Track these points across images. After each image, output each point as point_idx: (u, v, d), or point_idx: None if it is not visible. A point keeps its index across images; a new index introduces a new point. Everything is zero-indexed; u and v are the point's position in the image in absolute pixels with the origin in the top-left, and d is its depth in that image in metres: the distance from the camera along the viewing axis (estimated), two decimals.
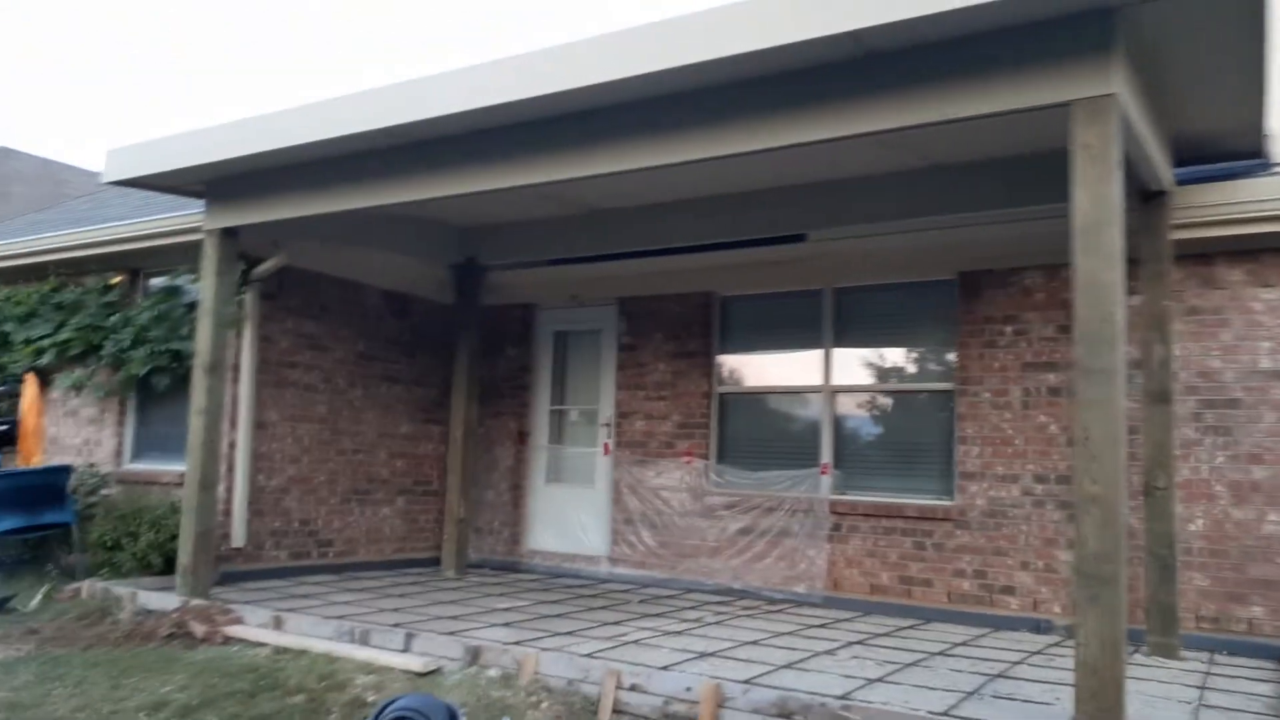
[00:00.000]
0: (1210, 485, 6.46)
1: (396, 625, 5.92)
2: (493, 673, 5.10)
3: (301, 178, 6.60)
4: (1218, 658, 5.99)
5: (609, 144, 5.41)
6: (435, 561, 9.21)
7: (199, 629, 6.01)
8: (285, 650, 5.65)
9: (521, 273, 9.36)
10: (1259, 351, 6.42)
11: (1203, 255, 6.55)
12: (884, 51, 4.50)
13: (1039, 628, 6.77)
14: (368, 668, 5.26)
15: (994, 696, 4.71)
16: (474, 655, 5.26)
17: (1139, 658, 5.73)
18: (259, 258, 7.83)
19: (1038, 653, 5.96)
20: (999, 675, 5.23)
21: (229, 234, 7.10)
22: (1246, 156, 6.28)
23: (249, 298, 7.94)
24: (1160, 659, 5.76)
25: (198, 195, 7.34)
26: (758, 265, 8.25)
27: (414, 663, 5.26)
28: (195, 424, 6.95)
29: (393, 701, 4.28)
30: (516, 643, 5.49)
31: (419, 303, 9.54)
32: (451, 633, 5.76)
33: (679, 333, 8.77)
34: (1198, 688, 5.11)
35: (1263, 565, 6.27)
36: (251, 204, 6.94)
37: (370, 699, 4.80)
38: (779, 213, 7.41)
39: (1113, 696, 3.80)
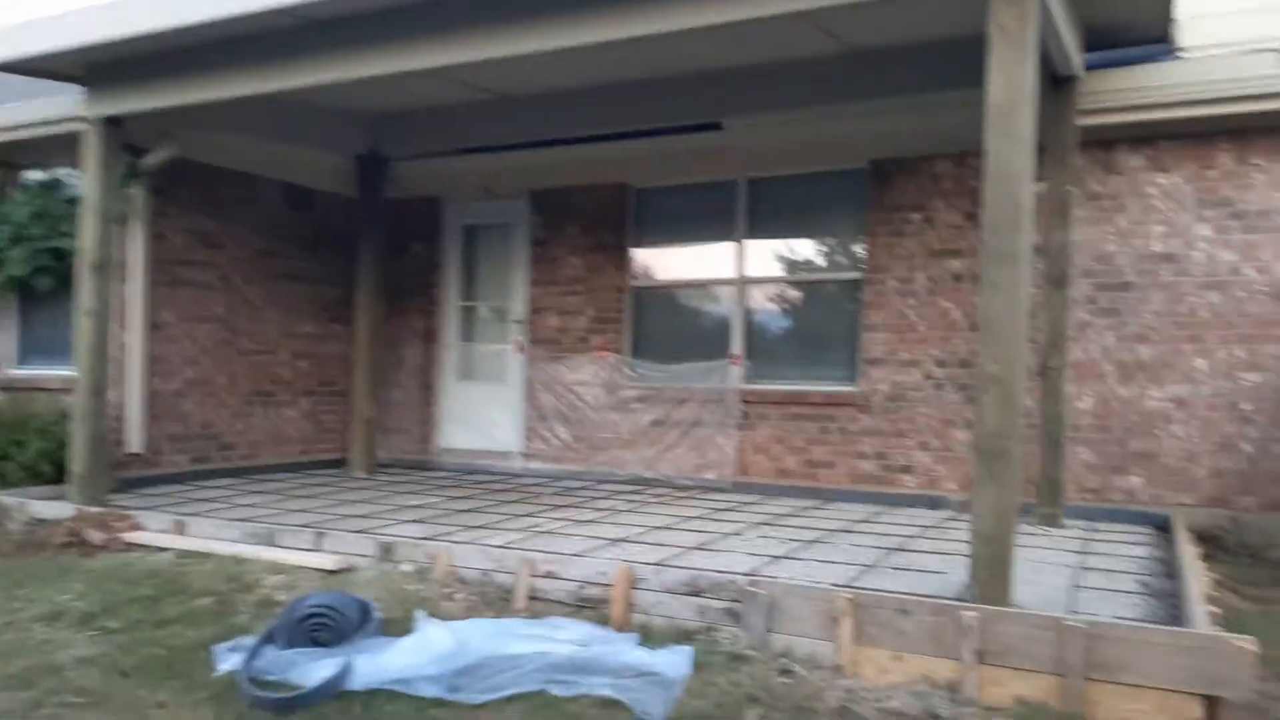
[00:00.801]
0: (1100, 365, 6.74)
1: (305, 525, 5.84)
2: (406, 568, 5.08)
3: (191, 62, 6.14)
4: (1099, 526, 6.36)
5: (518, 23, 5.16)
6: (343, 463, 9.08)
7: (96, 536, 5.82)
8: (189, 554, 5.52)
9: (428, 164, 9.03)
10: (1151, 236, 6.63)
11: (1105, 141, 6.66)
12: None
13: (935, 504, 7.07)
14: (277, 568, 5.19)
15: (892, 568, 4.91)
16: (386, 551, 5.23)
17: (1026, 528, 6.01)
18: (147, 149, 7.35)
19: (934, 527, 6.23)
20: (897, 549, 5.45)
21: (113, 123, 6.63)
22: (1153, 42, 6.33)
23: (137, 192, 7.50)
24: (1047, 528, 6.08)
25: (79, 81, 6.79)
26: (673, 155, 8.12)
27: (325, 561, 5.21)
28: (83, 326, 6.60)
29: (305, 599, 4.25)
30: (429, 538, 5.48)
31: (321, 196, 9.14)
32: (362, 531, 5.71)
33: (593, 226, 8.63)
34: (1079, 553, 5.42)
35: (1143, 439, 6.62)
36: (137, 91, 6.45)
37: (281, 598, 4.74)
38: (694, 100, 7.24)
39: (1002, 564, 3.98)
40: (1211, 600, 4.39)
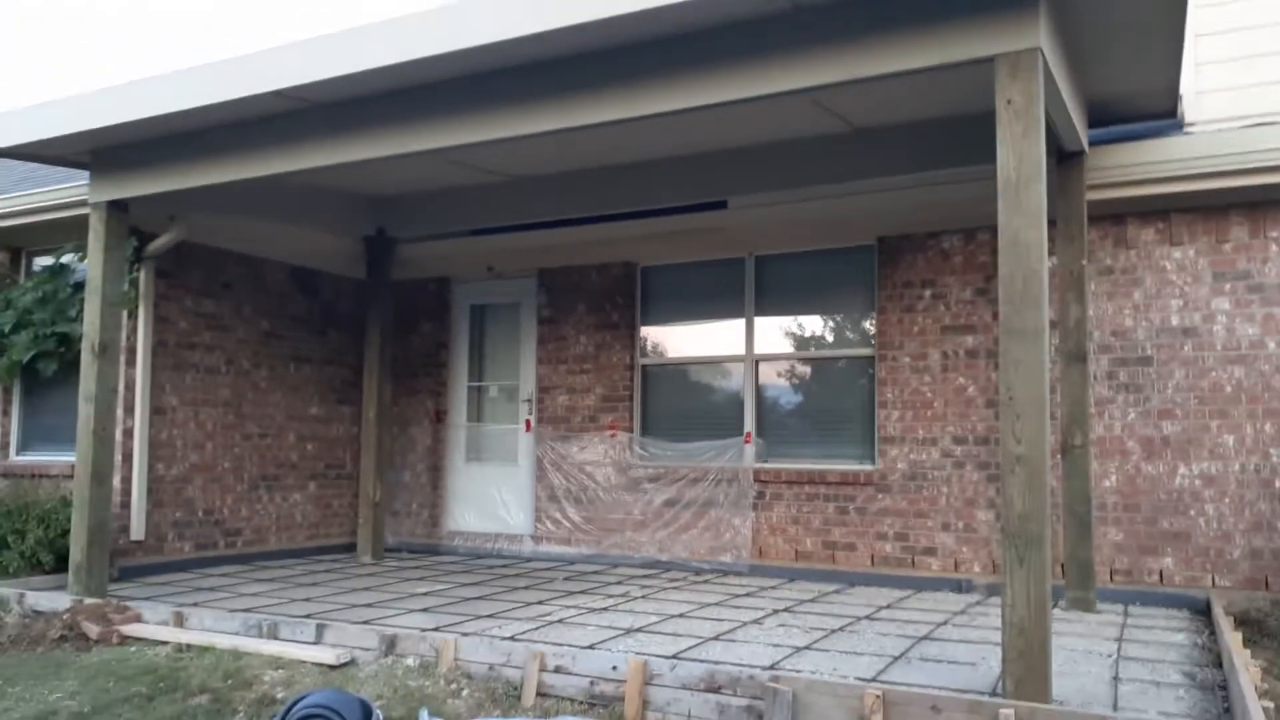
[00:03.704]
0: (1123, 442, 6.57)
1: (308, 616, 5.65)
2: (410, 661, 4.88)
3: (194, 145, 6.18)
4: (1132, 609, 6.11)
5: (512, 107, 5.16)
6: (350, 547, 8.90)
7: (93, 629, 5.63)
8: (187, 648, 5.33)
9: (435, 245, 9.05)
10: (1169, 310, 6.52)
11: (1116, 215, 6.61)
12: (812, 6, 4.35)
13: (960, 588, 6.83)
14: (276, 662, 4.99)
15: (921, 659, 4.69)
16: (390, 644, 5.03)
17: (1058, 612, 5.79)
18: (153, 233, 7.39)
19: (960, 613, 5.99)
20: (925, 638, 5.22)
21: (117, 207, 6.64)
22: (1160, 117, 6.33)
23: (143, 276, 7.49)
24: (1079, 613, 5.85)
25: (83, 166, 6.84)
26: (679, 234, 8.10)
27: (326, 655, 5.01)
28: (84, 411, 6.51)
29: (302, 698, 4.04)
30: (435, 629, 5.28)
31: (328, 278, 9.15)
32: (366, 621, 5.51)
33: (601, 304, 8.58)
34: (1115, 640, 5.18)
35: (1173, 518, 6.41)
36: (140, 174, 6.48)
37: (279, 696, 4.54)
38: (700, 179, 7.26)
39: (1039, 656, 3.78)
40: (1262, 692, 4.15)
